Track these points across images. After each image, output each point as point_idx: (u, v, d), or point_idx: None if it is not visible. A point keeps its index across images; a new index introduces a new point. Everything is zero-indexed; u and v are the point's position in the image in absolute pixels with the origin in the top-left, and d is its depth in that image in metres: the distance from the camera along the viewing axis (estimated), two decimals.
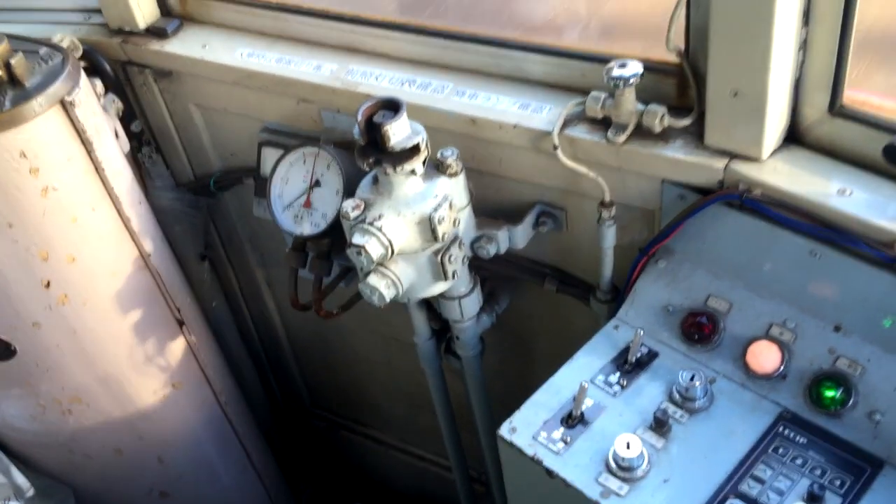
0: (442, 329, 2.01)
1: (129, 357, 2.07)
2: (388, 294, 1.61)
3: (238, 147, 2.19)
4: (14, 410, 2.25)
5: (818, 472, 1.32)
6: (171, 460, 2.34)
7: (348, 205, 1.59)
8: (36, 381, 2.08)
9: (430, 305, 1.95)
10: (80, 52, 1.98)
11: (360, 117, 1.50)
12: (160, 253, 2.04)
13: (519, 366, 2.20)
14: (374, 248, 1.53)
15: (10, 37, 1.68)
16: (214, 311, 2.52)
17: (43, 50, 1.75)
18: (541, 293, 1.92)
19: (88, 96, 1.76)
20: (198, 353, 2.22)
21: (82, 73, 1.76)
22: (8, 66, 1.63)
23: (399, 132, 1.50)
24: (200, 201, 2.38)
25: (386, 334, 2.46)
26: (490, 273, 1.89)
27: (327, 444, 3.13)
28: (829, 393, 1.38)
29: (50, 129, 1.68)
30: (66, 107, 1.69)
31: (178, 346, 2.16)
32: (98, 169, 1.79)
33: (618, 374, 1.51)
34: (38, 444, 2.34)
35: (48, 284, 1.85)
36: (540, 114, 1.62)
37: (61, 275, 1.85)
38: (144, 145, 2.27)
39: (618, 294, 1.74)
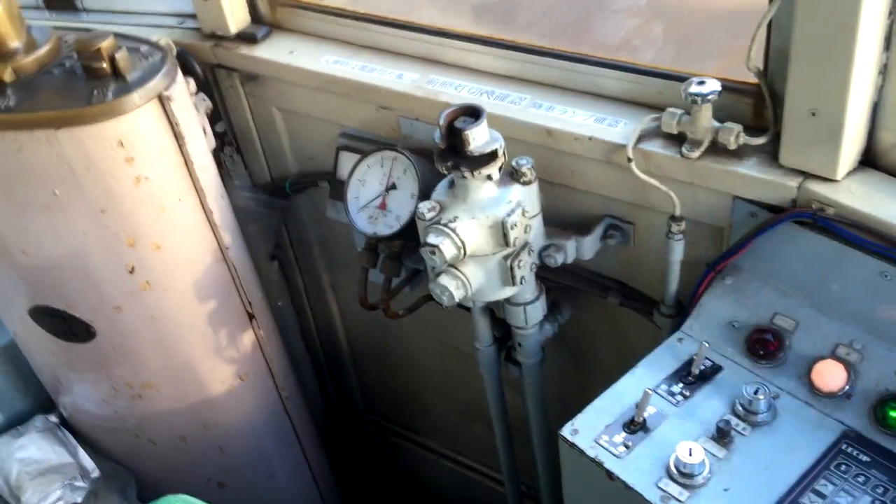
0: (503, 337, 2.05)
1: (202, 346, 2.15)
2: (458, 294, 1.66)
3: (315, 151, 2.28)
4: (86, 393, 2.35)
5: (880, 490, 1.32)
6: (231, 451, 2.41)
7: (424, 206, 1.64)
8: (111, 365, 2.18)
9: (492, 313, 2.00)
10: (174, 53, 2.08)
11: (442, 121, 1.56)
12: (237, 247, 2.12)
13: (576, 378, 2.22)
14: (448, 249, 1.59)
15: (115, 35, 1.79)
16: (280, 310, 2.60)
17: (144, 47, 1.85)
18: (603, 306, 1.95)
19: (183, 93, 1.86)
20: (265, 347, 2.29)
21: (179, 71, 1.86)
22: (112, 61, 1.74)
23: (479, 137, 1.56)
24: (275, 202, 2.47)
25: (445, 342, 2.51)
26: (554, 283, 1.93)
27: (378, 450, 3.17)
28: (895, 414, 1.38)
29: (147, 122, 1.78)
30: (163, 101, 1.79)
31: (247, 339, 2.24)
32: (187, 162, 1.89)
33: (680, 384, 1.53)
34: (105, 427, 2.43)
35: (132, 270, 1.95)
36: (615, 128, 1.66)
37: (146, 261, 1.94)
38: (226, 145, 2.37)
39: (682, 309, 1.76)
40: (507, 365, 2.08)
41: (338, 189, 2.11)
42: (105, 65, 1.74)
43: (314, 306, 2.83)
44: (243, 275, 2.15)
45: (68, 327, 2.11)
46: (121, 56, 1.74)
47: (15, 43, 1.83)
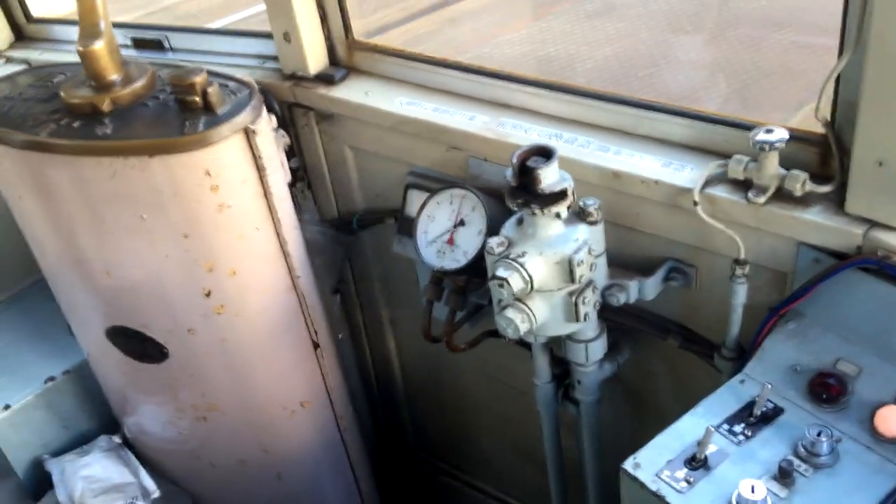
0: (561, 375, 2.09)
1: (268, 371, 2.22)
2: (523, 328, 1.71)
3: (384, 188, 2.36)
4: (152, 415, 2.43)
5: None
6: (288, 477, 2.46)
7: (494, 241, 1.71)
8: (180, 386, 2.26)
9: (552, 350, 2.04)
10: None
11: (515, 160, 1.64)
12: (306, 277, 2.20)
13: (633, 421, 2.24)
14: (516, 282, 1.65)
15: (206, 71, 1.91)
16: (340, 342, 2.67)
17: (232, 84, 1.97)
18: (663, 348, 1.98)
19: (267, 128, 1.96)
20: (327, 376, 2.36)
21: (263, 107, 1.97)
22: (204, 95, 1.85)
23: (549, 176, 1.63)
24: (341, 237, 2.56)
25: (501, 380, 2.55)
26: (615, 324, 1.97)
27: (427, 487, 3.20)
28: None
29: (233, 153, 1.88)
30: (248, 134, 1.89)
31: (311, 367, 2.30)
32: (266, 193, 1.98)
33: (742, 425, 1.55)
34: (167, 449, 2.51)
35: (209, 294, 2.03)
36: (681, 172, 1.72)
37: (222, 286, 2.03)
38: (298, 181, 2.46)
39: (742, 353, 1.79)
40: (565, 403, 2.11)
41: (405, 225, 2.19)
42: (197, 98, 1.85)
43: (372, 341, 2.90)
44: (311, 305, 2.23)
45: (143, 348, 2.20)
46: (212, 90, 1.85)
47: (113, 76, 1.96)
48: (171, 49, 2.58)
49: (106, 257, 2.03)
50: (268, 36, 2.36)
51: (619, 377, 2.05)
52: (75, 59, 1.97)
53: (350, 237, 2.56)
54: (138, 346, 2.21)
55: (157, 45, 2.60)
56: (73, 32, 2.73)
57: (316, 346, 2.28)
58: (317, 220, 2.56)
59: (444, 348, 2.08)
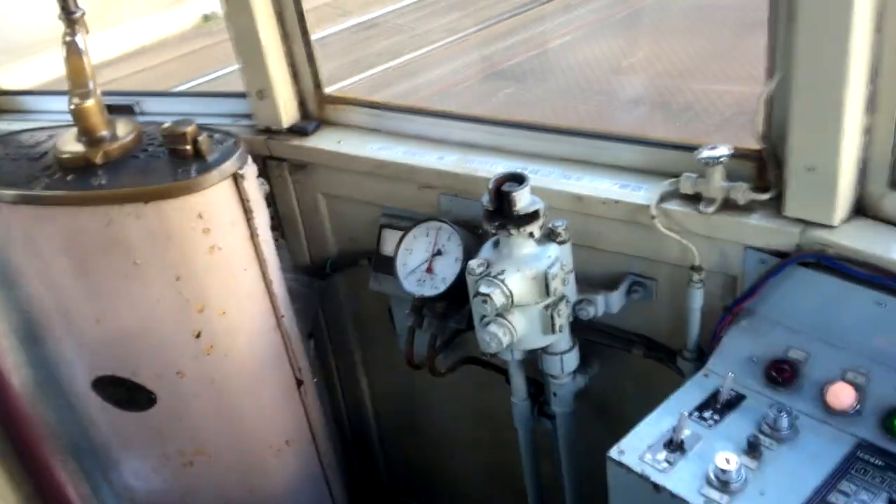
0: (536, 393, 2.24)
1: (255, 409, 2.31)
2: (505, 340, 1.86)
3: (356, 231, 2.51)
4: (136, 465, 2.47)
5: None
6: None
7: (474, 263, 1.87)
8: (168, 432, 2.32)
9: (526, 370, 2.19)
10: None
11: (491, 186, 1.81)
12: (289, 317, 2.31)
13: (605, 432, 2.38)
14: (498, 297, 1.80)
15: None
16: (315, 386, 2.77)
17: (217, 135, 2.11)
18: (628, 359, 2.15)
19: (253, 173, 2.10)
20: (310, 414, 2.45)
21: (249, 155, 2.11)
22: (195, 143, 1.99)
23: (523, 199, 1.80)
24: (314, 283, 2.68)
25: (476, 410, 2.68)
26: (585, 340, 2.14)
27: None
28: None
29: (223, 197, 2.01)
30: (236, 179, 2.03)
31: (295, 405, 2.40)
32: (253, 235, 2.11)
33: (710, 411, 1.72)
34: (151, 501, 2.54)
35: (199, 335, 2.13)
36: (637, 192, 1.92)
37: (212, 326, 2.13)
38: (273, 230, 2.59)
39: (702, 354, 1.97)
40: (541, 419, 2.25)
41: (381, 263, 2.34)
42: (189, 147, 1.99)
43: (344, 384, 3.00)
44: (294, 343, 2.33)
45: (129, 396, 2.27)
46: (203, 139, 1.99)
47: (103, 131, 2.08)
48: (143, 113, 2.71)
49: (95, 305, 2.11)
50: (239, 95, 2.51)
51: (589, 391, 2.21)
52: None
53: (323, 282, 2.68)
54: (125, 394, 2.27)
55: (128, 110, 2.72)
56: (44, 102, 2.86)
57: (300, 383, 2.38)
58: (290, 267, 2.68)
59: (419, 384, 2.21)
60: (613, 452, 1.66)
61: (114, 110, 2.74)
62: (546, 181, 2.02)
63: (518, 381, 2.19)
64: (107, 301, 2.10)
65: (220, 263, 2.07)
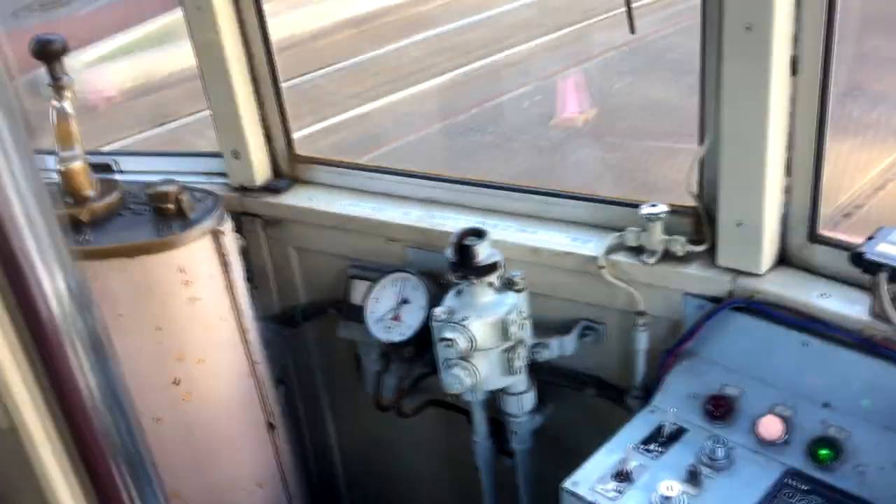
0: (495, 433, 2.39)
1: (229, 453, 2.42)
2: (468, 382, 2.01)
3: (325, 282, 2.66)
4: None
5: None
6: None
7: (439, 310, 2.03)
8: None
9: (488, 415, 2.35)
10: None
11: (453, 240, 1.98)
12: (262, 363, 2.44)
13: (560, 467, 2.54)
14: (462, 341, 1.96)
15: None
16: (286, 430, 2.88)
17: (198, 193, 2.26)
18: (581, 398, 2.32)
19: (230, 229, 2.25)
20: (282, 457, 2.56)
21: (227, 212, 2.26)
22: (178, 202, 2.13)
23: (483, 251, 1.98)
24: (284, 332, 2.81)
25: (440, 451, 2.81)
26: (541, 382, 2.30)
27: None
28: (823, 452, 1.77)
29: (203, 251, 2.16)
30: (216, 235, 2.17)
31: (268, 448, 2.51)
32: (230, 287, 2.25)
33: (655, 444, 1.89)
34: None
35: (178, 382, 2.25)
36: (587, 245, 2.11)
37: (190, 374, 2.25)
38: (246, 281, 2.73)
39: (648, 393, 2.14)
40: (502, 457, 2.40)
41: (349, 311, 2.48)
42: (171, 206, 2.13)
43: (311, 431, 3.11)
44: (267, 389, 2.46)
45: None
46: (185, 198, 2.13)
47: (89, 191, 2.22)
48: (121, 171, 2.84)
49: None
50: (214, 155, 2.67)
51: (546, 428, 2.36)
52: None
53: (293, 330, 2.81)
54: None
55: (106, 169, 2.85)
56: None
57: (271, 427, 2.50)
58: (260, 316, 2.81)
59: (384, 428, 2.33)
60: (567, 484, 1.82)
61: (94, 168, 2.91)
62: (504, 234, 2.20)
63: (479, 421, 2.34)
64: None
65: (198, 314, 2.20)
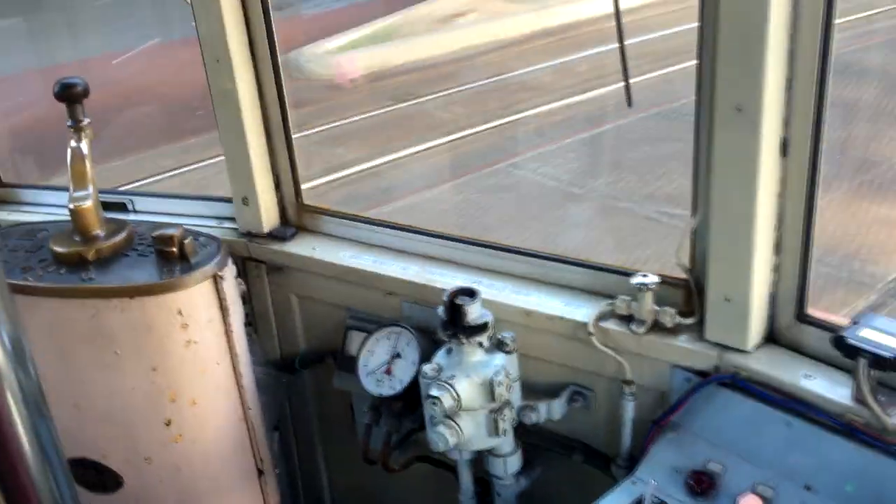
0: (482, 493, 2.38)
1: (216, 496, 2.43)
2: (452, 441, 2.02)
3: (324, 331, 2.69)
4: None
5: None
6: None
7: (427, 367, 2.05)
8: None
9: (474, 473, 2.34)
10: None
11: (445, 298, 2.01)
12: (255, 409, 2.46)
13: None
14: (447, 400, 1.98)
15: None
16: (276, 476, 2.89)
17: (202, 238, 2.31)
18: (568, 464, 2.31)
19: (231, 275, 2.29)
20: (268, 502, 2.57)
21: (230, 258, 2.31)
22: (181, 246, 2.18)
23: (473, 312, 2.00)
24: (283, 377, 2.84)
25: None
26: (528, 444, 2.30)
27: None
28: None
29: (202, 295, 2.20)
30: (216, 280, 2.22)
31: (254, 493, 2.52)
32: (228, 331, 2.29)
33: None
34: None
35: (169, 423, 2.28)
36: (579, 310, 2.12)
37: (182, 415, 2.28)
38: (247, 325, 2.76)
39: (633, 462, 2.13)
40: None
41: (345, 362, 2.51)
42: (174, 249, 2.18)
43: (305, 477, 3.11)
44: (258, 434, 2.48)
45: (98, 478, 2.39)
46: (188, 242, 2.19)
47: (97, 230, 2.28)
48: (135, 211, 2.91)
49: (77, 390, 2.26)
50: (225, 200, 2.73)
51: (532, 492, 2.35)
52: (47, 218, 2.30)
53: (291, 376, 2.84)
54: (95, 476, 2.40)
55: (121, 207, 2.93)
56: (43, 196, 3.06)
57: (261, 472, 2.51)
58: (261, 360, 2.84)
59: (376, 480, 2.33)
60: None
61: (108, 206, 2.98)
62: (499, 295, 2.22)
63: (465, 480, 2.33)
64: (87, 387, 2.25)
65: (194, 357, 2.24)
